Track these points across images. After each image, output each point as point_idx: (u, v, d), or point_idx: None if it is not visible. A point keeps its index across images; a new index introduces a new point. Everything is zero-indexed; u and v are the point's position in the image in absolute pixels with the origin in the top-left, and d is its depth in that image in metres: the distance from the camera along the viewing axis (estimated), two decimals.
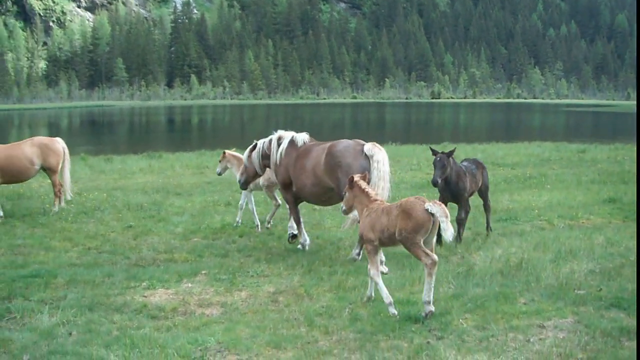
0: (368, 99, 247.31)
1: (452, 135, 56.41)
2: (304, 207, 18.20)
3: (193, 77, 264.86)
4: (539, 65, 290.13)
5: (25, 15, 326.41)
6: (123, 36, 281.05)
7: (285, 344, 8.40)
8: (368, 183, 11.23)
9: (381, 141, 42.56)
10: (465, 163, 14.82)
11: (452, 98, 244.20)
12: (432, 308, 9.26)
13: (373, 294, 10.25)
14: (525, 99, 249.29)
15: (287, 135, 14.98)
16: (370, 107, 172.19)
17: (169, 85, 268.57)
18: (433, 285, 9.31)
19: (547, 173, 27.46)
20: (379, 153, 13.17)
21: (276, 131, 15.30)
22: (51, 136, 20.11)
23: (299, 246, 14.41)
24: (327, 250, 14.07)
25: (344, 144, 13.63)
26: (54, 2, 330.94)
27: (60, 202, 19.30)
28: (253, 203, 17.08)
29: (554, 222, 16.78)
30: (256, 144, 15.43)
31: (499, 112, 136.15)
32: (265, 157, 15.12)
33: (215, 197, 21.91)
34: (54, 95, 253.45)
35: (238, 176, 15.88)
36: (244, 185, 15.77)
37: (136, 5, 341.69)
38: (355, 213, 11.58)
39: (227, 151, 17.59)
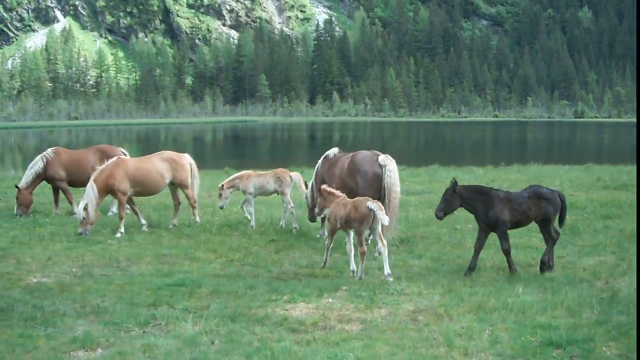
0: (510, 118, 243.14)
1: (595, 156, 55.03)
2: (445, 225, 18.12)
3: (335, 94, 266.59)
4: None
5: (172, 33, 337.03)
6: (266, 53, 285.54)
7: None
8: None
9: (523, 161, 42.03)
10: (520, 192, 14.13)
11: (595, 117, 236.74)
12: (391, 278, 13.01)
13: (354, 267, 13.78)
14: None
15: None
16: (512, 125, 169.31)
17: (311, 101, 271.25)
18: (363, 266, 13.43)
19: None
20: (390, 163, 16.28)
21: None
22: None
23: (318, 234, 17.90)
24: None
25: (363, 154, 16.96)
26: (200, 21, 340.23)
27: (195, 214, 19.87)
28: (253, 206, 19.30)
29: None
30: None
31: None
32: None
33: None
34: (199, 110, 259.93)
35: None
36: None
37: (279, 23, 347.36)
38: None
39: None
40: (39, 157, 22.71)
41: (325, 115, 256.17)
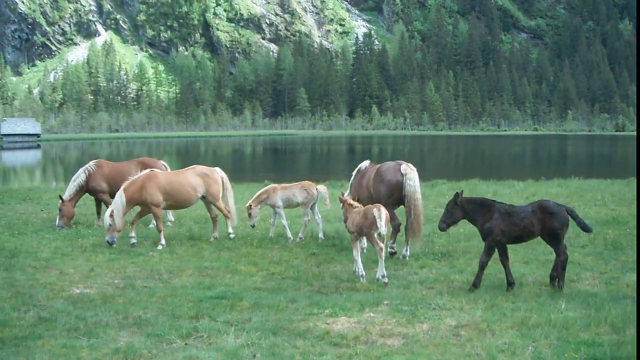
0: (550, 131, 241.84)
1: (637, 170, 54.12)
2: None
3: (374, 108, 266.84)
4: None
5: (212, 46, 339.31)
6: (306, 67, 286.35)
7: None
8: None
9: (563, 175, 41.63)
10: (524, 205, 13.87)
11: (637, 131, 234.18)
12: (386, 280, 14.13)
13: (363, 272, 14.61)
14: None
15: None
16: (552, 139, 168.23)
17: (350, 115, 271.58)
18: (383, 264, 14.31)
19: None
20: (410, 172, 16.96)
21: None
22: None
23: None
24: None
25: (387, 164, 17.73)
26: (239, 34, 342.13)
27: (219, 229, 19.93)
28: (284, 218, 19.76)
29: None
30: None
31: None
32: None
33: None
34: (238, 124, 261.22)
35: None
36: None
37: (319, 36, 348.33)
38: None
39: None
40: (81, 169, 22.94)
41: (364, 128, 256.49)
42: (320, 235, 19.41)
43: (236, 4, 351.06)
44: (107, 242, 18.21)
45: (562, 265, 13.42)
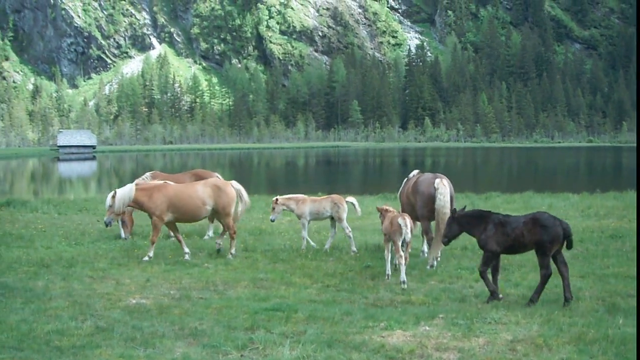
0: (604, 143, 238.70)
1: None
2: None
3: (427, 120, 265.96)
4: None
5: (265, 59, 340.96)
6: (358, 79, 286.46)
7: None
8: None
9: (619, 188, 41.01)
10: (518, 216, 14.01)
11: None
12: (405, 286, 14.99)
13: (389, 272, 16.05)
14: None
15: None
16: (607, 151, 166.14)
17: (403, 127, 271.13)
18: (404, 270, 15.27)
19: None
20: (442, 188, 17.50)
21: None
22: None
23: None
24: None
25: (424, 177, 18.50)
26: (292, 47, 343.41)
27: (232, 247, 19.27)
28: (306, 231, 19.96)
29: None
30: None
31: None
32: None
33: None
34: (291, 136, 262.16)
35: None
36: None
37: (371, 48, 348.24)
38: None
39: None
40: (137, 180, 23.14)
41: (417, 140, 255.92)
42: (353, 248, 19.62)
43: (289, 16, 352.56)
44: (105, 222, 18.69)
45: (542, 279, 13.40)
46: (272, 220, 19.86)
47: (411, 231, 15.86)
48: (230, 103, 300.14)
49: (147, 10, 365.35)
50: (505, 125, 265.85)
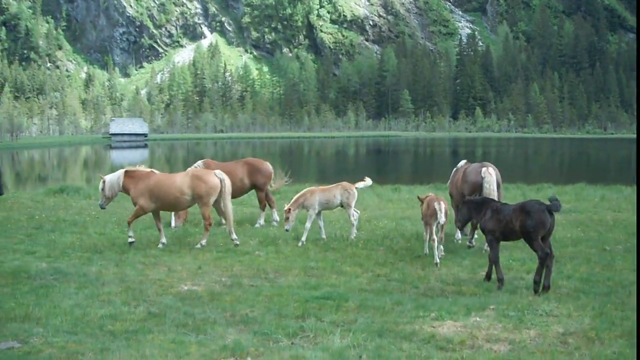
0: None
1: None
2: (594, 245, 17.68)
3: (478, 109, 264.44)
4: None
5: (316, 48, 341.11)
6: (409, 68, 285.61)
7: None
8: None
9: None
10: (513, 204, 14.45)
11: None
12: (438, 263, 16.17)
13: (427, 251, 17.24)
14: None
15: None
16: None
17: (454, 117, 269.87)
18: (437, 251, 16.27)
19: None
20: (489, 176, 18.02)
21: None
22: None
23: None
24: (618, 294, 13.26)
25: (473, 166, 18.92)
26: (343, 36, 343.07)
27: (204, 238, 19.05)
28: (310, 223, 19.48)
29: None
30: None
31: None
32: None
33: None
34: (342, 125, 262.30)
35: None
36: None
37: (422, 38, 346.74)
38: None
39: None
40: (189, 169, 23.30)
41: (467, 130, 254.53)
42: (353, 235, 19.61)
43: (340, 5, 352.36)
44: (99, 205, 19.83)
45: (540, 262, 13.40)
46: (287, 230, 19.12)
47: (446, 215, 16.63)
48: (281, 92, 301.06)
49: None
50: (557, 115, 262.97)
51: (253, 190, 24.22)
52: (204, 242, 18.76)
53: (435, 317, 11.34)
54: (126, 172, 19.35)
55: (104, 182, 19.26)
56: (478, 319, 11.28)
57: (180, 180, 18.90)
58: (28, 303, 12.08)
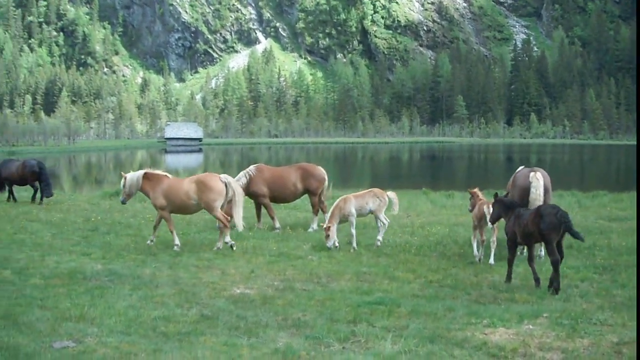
0: None
1: None
2: None
3: (533, 115, 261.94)
4: None
5: (369, 53, 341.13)
6: (463, 74, 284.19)
7: None
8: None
9: None
10: (533, 208, 15.10)
11: None
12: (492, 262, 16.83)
13: (476, 253, 17.57)
14: None
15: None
16: None
17: (509, 123, 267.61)
18: (493, 252, 17.10)
19: None
20: (536, 181, 17.89)
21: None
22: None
23: None
24: None
25: (523, 171, 18.89)
26: (397, 41, 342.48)
27: (223, 239, 19.11)
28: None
29: None
30: None
31: None
32: None
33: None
34: (396, 130, 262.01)
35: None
36: None
37: (476, 43, 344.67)
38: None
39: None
40: (242, 173, 23.46)
41: (522, 137, 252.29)
42: (379, 241, 19.38)
43: (394, 11, 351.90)
44: (121, 201, 20.61)
45: (553, 266, 13.85)
46: (329, 248, 18.77)
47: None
48: (335, 97, 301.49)
49: (253, 5, 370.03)
50: (614, 122, 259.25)
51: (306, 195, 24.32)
52: (227, 238, 18.98)
53: (487, 324, 11.28)
54: (145, 174, 19.83)
55: (125, 179, 19.99)
56: (531, 326, 11.19)
57: (187, 186, 19.26)
58: (83, 303, 12.30)
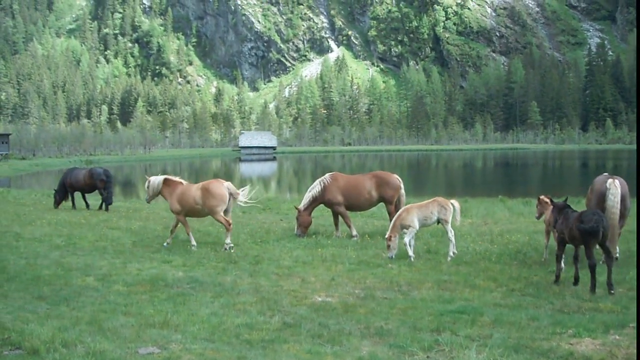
0: None
1: None
2: None
3: (608, 121, 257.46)
4: None
5: (442, 60, 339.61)
6: (537, 79, 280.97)
7: None
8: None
9: None
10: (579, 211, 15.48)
11: None
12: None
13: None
14: None
15: None
16: None
17: (584, 129, 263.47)
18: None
19: None
20: (614, 188, 17.45)
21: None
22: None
23: None
24: None
25: (600, 178, 18.59)
26: (470, 47, 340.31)
27: (227, 238, 20.45)
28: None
29: None
30: None
31: None
32: None
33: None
34: (469, 137, 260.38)
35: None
36: None
37: (550, 48, 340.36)
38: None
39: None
40: (317, 181, 23.62)
41: (598, 142, 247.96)
42: (453, 252, 18.94)
43: (466, 17, 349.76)
44: (145, 200, 22.36)
45: (590, 269, 14.57)
46: (391, 257, 18.49)
47: None
48: (408, 105, 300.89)
49: (325, 13, 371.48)
50: None
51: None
52: (228, 240, 20.34)
53: (572, 334, 11.11)
54: (165, 180, 21.42)
55: (148, 182, 21.70)
56: (617, 337, 10.99)
57: (195, 192, 20.60)
58: (166, 310, 12.55)
